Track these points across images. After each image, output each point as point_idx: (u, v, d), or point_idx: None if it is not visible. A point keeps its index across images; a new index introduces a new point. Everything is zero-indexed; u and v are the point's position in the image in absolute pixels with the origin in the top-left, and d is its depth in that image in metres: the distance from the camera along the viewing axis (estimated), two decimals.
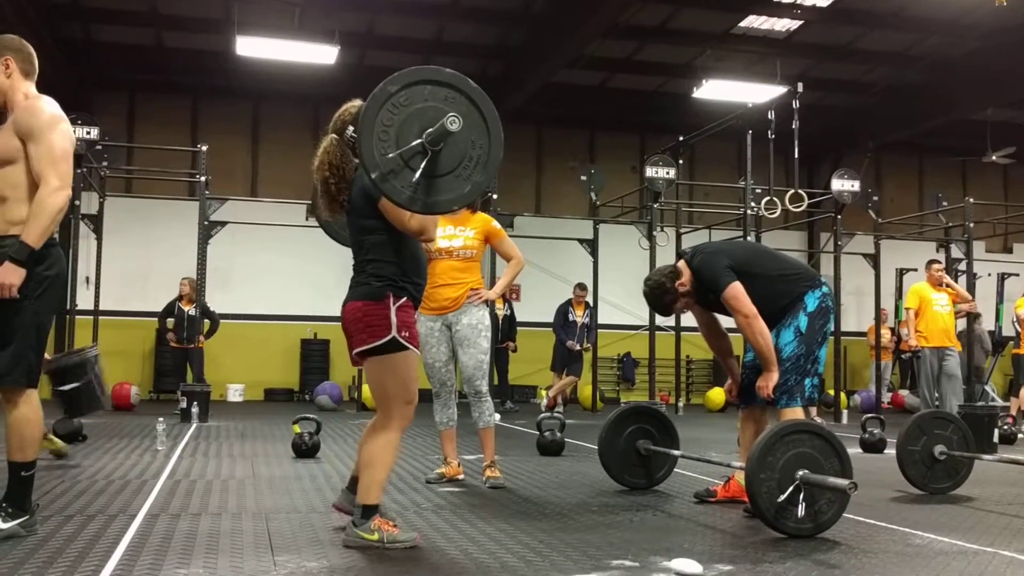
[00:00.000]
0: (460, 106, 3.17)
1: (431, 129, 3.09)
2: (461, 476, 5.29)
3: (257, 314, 15.64)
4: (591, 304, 12.77)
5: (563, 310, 12.69)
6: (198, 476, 5.36)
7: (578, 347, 12.38)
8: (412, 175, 3.11)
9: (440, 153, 3.13)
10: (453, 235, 5.19)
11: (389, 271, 3.45)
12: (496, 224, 5.38)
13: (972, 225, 12.29)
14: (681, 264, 4.60)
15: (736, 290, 4.35)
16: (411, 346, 3.45)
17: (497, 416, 10.62)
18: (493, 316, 10.99)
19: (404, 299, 3.45)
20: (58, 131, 3.49)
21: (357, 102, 3.55)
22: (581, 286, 12.64)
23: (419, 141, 3.10)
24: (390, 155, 3.10)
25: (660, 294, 4.56)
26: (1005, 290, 15.15)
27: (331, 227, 4.26)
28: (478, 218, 5.30)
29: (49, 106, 3.55)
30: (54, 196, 3.38)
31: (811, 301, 4.46)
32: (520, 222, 14.18)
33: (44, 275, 3.46)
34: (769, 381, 4.36)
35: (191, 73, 15.45)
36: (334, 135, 3.56)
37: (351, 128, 3.49)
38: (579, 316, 12.57)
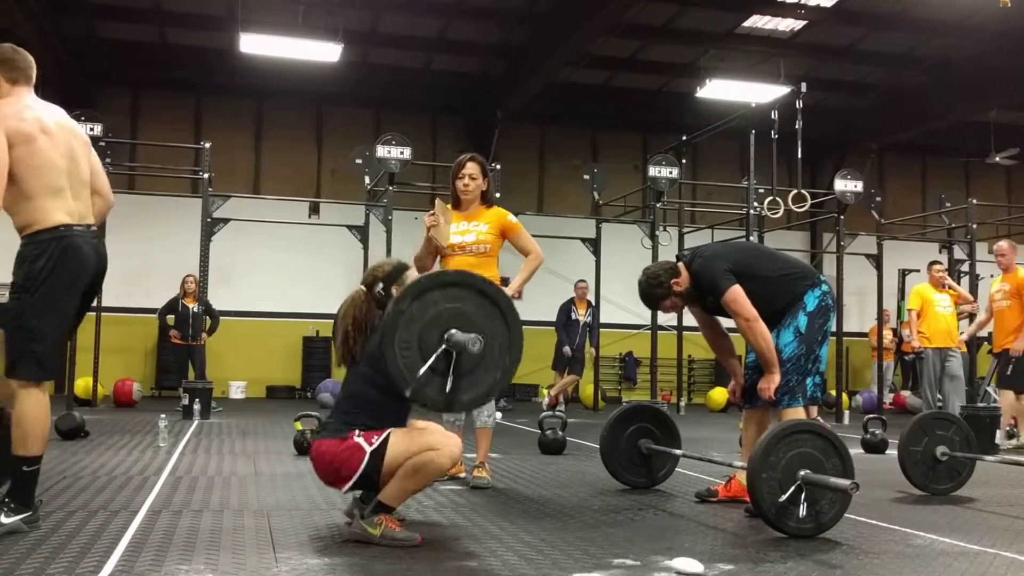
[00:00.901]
0: (470, 300, 3.37)
1: (454, 338, 3.25)
2: (463, 474, 5.27)
3: (259, 311, 15.65)
4: (593, 303, 12.77)
5: (566, 308, 12.70)
6: (200, 472, 5.37)
7: (575, 354, 12.36)
8: (442, 382, 3.29)
9: (463, 355, 3.29)
10: (466, 230, 5.08)
11: (366, 420, 3.47)
12: (512, 218, 5.24)
13: (975, 226, 12.29)
14: (680, 266, 4.59)
15: (736, 293, 4.34)
16: (386, 432, 3.42)
17: (499, 415, 10.69)
18: None
19: (366, 430, 3.44)
20: None
21: (393, 261, 3.76)
22: (582, 280, 12.65)
23: (442, 348, 3.27)
24: (419, 372, 3.26)
25: (655, 285, 4.54)
26: None
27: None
28: (492, 212, 5.18)
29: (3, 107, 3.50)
30: None
31: (810, 300, 4.46)
32: (523, 221, 14.03)
33: (38, 270, 3.46)
34: (770, 383, 4.36)
35: (194, 70, 15.46)
36: (363, 287, 3.68)
37: (381, 285, 3.64)
38: (581, 315, 12.57)
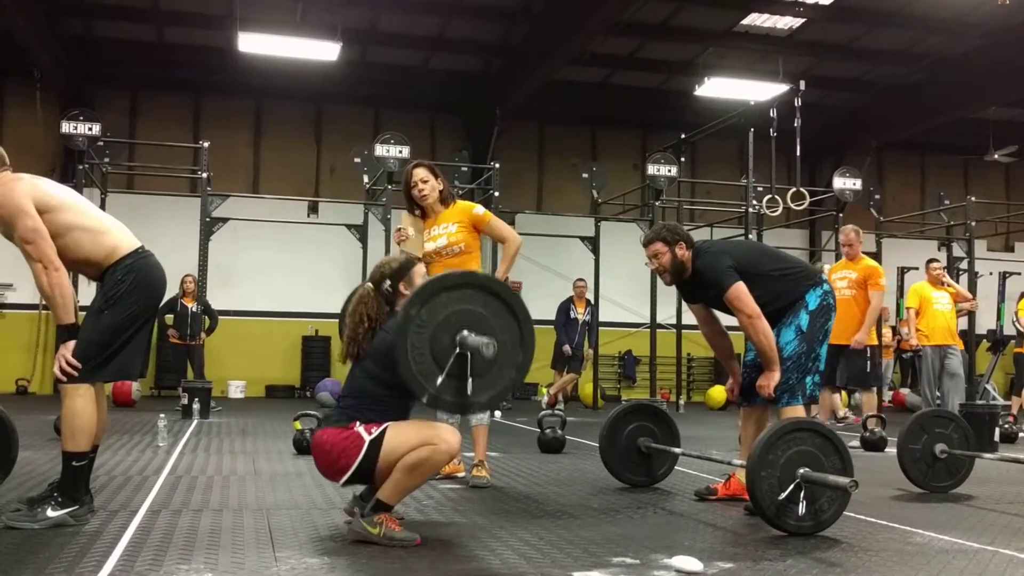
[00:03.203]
0: (478, 300, 3.35)
1: (467, 340, 3.24)
2: (461, 473, 5.26)
3: (258, 311, 15.65)
4: (592, 302, 12.76)
5: (564, 307, 12.68)
6: (199, 472, 5.37)
7: (576, 352, 12.36)
8: (459, 385, 3.29)
9: (476, 356, 3.28)
10: (437, 235, 5.04)
11: (369, 414, 3.47)
12: (479, 210, 5.14)
13: (974, 224, 12.30)
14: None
15: (739, 290, 4.35)
16: (385, 424, 3.42)
17: (498, 414, 10.69)
18: None
19: (368, 423, 3.46)
20: None
21: (401, 257, 3.78)
22: (580, 279, 12.63)
23: (456, 353, 3.26)
24: (437, 380, 3.26)
25: (670, 230, 4.57)
26: (1007, 289, 15.16)
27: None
28: (456, 209, 5.09)
29: None
30: None
31: (812, 299, 4.46)
32: (521, 219, 14.14)
33: (122, 291, 3.65)
34: (771, 380, 4.36)
35: (193, 69, 15.46)
36: (371, 285, 3.67)
37: (388, 282, 3.64)
38: (580, 313, 12.56)
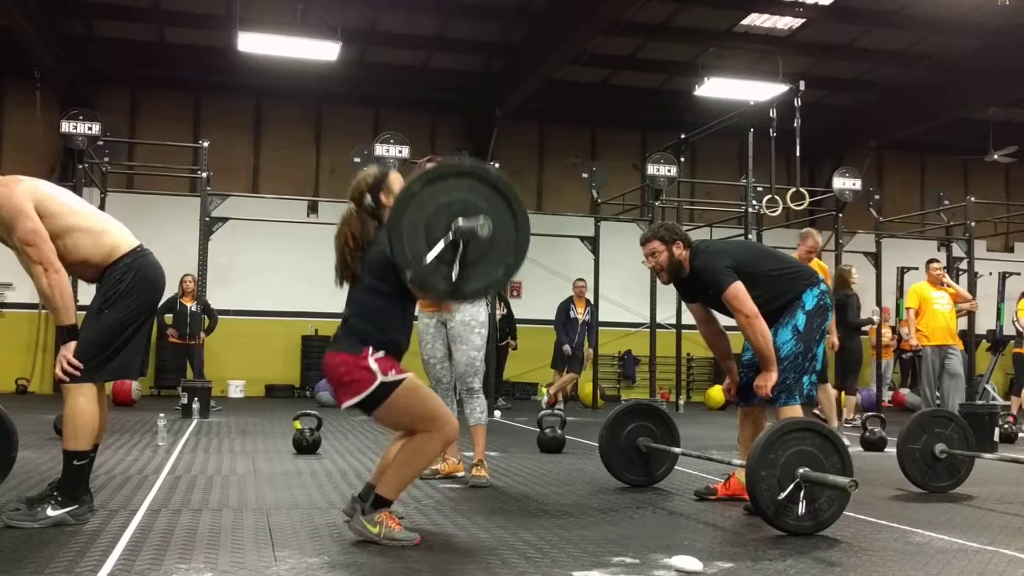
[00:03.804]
0: (482, 194, 3.30)
1: (462, 226, 3.20)
2: (461, 473, 5.27)
3: (258, 310, 15.64)
4: (592, 301, 12.76)
5: (564, 307, 12.68)
6: (199, 472, 5.37)
7: (576, 352, 12.36)
8: (447, 270, 3.24)
9: (470, 244, 3.24)
10: None
11: (374, 330, 3.44)
12: None
13: (974, 224, 12.31)
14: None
15: (737, 290, 4.35)
16: (404, 376, 3.42)
17: (497, 413, 10.69)
18: (491, 317, 10.97)
19: (383, 353, 3.41)
20: None
21: (373, 170, 3.69)
22: (580, 279, 12.63)
23: (450, 238, 3.21)
24: (426, 257, 3.22)
25: (667, 229, 4.59)
26: (1006, 289, 15.16)
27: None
28: None
29: None
30: None
31: (809, 299, 4.47)
32: None
33: (122, 290, 3.66)
34: (768, 381, 4.36)
35: (193, 69, 15.46)
36: (353, 204, 3.62)
37: (369, 196, 3.57)
38: (580, 313, 12.56)
